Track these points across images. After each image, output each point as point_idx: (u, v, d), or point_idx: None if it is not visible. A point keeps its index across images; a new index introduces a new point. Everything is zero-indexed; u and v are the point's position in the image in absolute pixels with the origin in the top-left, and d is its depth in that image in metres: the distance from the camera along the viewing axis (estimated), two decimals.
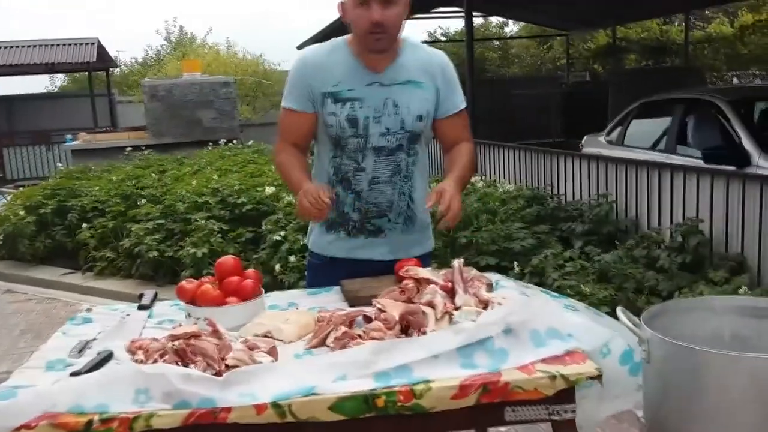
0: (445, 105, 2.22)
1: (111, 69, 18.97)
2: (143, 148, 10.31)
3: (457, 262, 1.73)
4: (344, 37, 2.21)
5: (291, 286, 4.65)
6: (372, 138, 2.15)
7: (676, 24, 17.65)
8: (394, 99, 2.14)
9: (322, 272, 2.27)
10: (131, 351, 1.61)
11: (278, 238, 5.20)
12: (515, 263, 4.39)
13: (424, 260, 2.17)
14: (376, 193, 2.20)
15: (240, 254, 5.18)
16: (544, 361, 1.47)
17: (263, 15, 63.24)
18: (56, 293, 6.35)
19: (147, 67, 20.90)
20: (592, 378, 1.44)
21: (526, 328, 1.51)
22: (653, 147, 6.36)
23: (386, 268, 2.10)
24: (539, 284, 4.07)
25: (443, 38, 23.05)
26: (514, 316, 1.52)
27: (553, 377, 1.42)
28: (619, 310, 1.87)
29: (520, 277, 4.18)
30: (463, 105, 2.26)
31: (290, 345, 1.68)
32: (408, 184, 2.23)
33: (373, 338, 1.58)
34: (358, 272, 2.13)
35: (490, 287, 1.89)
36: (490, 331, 1.49)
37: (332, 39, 2.24)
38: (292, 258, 4.93)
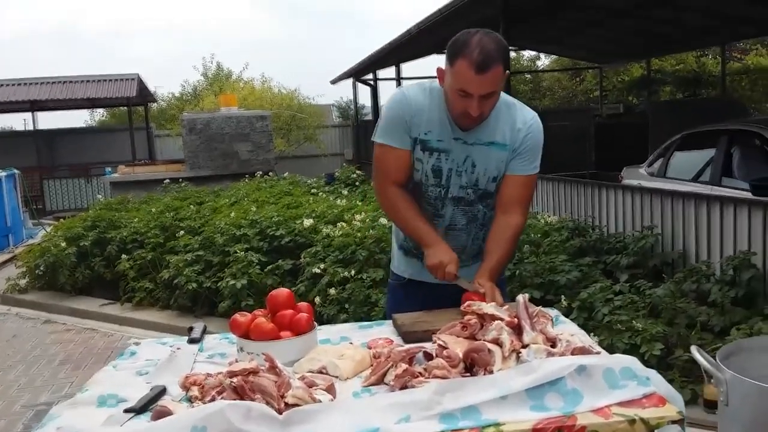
0: (512, 164, 2.16)
1: (149, 103, 19.31)
2: (180, 180, 10.44)
3: (522, 297, 1.65)
4: (438, 85, 2.13)
5: (330, 319, 4.60)
6: (452, 189, 2.18)
7: (710, 56, 17.47)
8: (473, 159, 2.14)
9: (401, 293, 2.35)
10: (185, 387, 1.57)
11: (318, 270, 5.15)
12: (562, 297, 4.27)
13: (501, 285, 2.13)
14: (451, 238, 2.22)
15: (279, 286, 5.14)
16: (620, 404, 1.38)
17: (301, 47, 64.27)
18: (95, 324, 6.37)
19: (184, 102, 21.21)
20: (674, 422, 1.35)
21: (599, 367, 1.42)
22: (696, 179, 6.22)
23: (459, 292, 2.07)
24: (588, 319, 3.97)
25: None
26: (586, 356, 1.44)
27: (632, 421, 1.33)
28: (694, 350, 1.78)
29: (568, 311, 4.07)
30: (531, 172, 2.18)
31: (347, 382, 1.62)
32: (483, 230, 2.25)
33: (435, 376, 1.51)
34: (434, 294, 2.16)
35: (552, 323, 1.82)
36: (561, 371, 1.41)
37: (428, 81, 2.18)
38: (331, 290, 4.88)
